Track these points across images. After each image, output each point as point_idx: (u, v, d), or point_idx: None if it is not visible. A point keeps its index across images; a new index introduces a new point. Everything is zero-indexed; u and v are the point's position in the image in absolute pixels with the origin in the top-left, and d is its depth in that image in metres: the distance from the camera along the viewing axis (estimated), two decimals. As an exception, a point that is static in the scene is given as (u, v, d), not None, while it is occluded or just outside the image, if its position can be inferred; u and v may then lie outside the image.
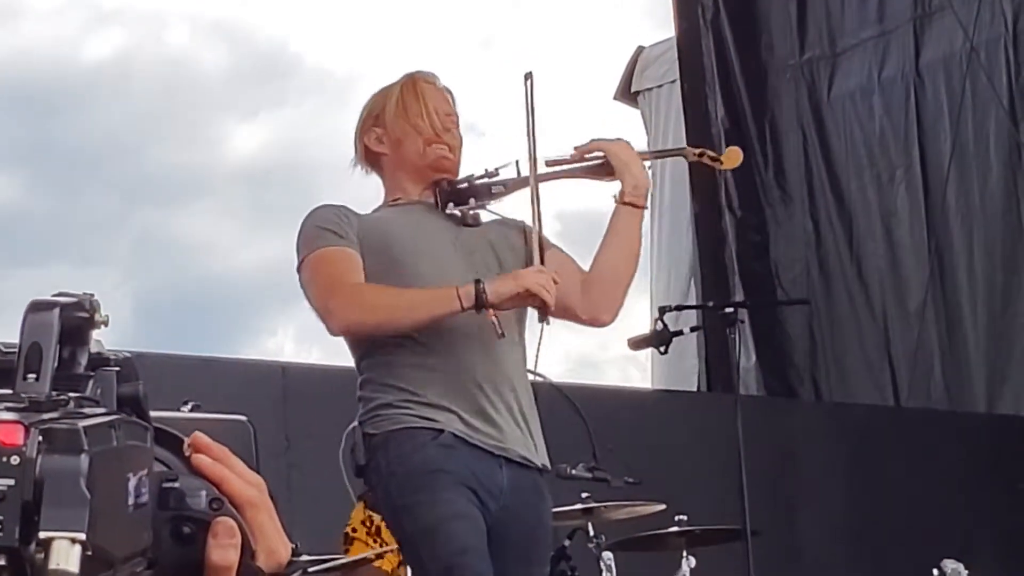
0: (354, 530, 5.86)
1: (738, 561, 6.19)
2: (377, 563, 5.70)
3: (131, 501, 1.05)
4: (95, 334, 1.13)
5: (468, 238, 4.22)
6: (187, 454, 1.16)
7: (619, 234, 4.19)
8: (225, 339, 16.42)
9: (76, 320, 1.10)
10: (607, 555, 6.02)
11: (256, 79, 16.42)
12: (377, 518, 5.82)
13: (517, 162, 4.28)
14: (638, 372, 11.78)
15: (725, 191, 11.60)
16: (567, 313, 4.18)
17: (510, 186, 4.27)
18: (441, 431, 3.99)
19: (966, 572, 6.47)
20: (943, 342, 10.71)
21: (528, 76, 4.37)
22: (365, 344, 4.11)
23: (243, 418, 1.27)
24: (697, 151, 4.56)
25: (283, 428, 7.34)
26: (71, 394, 1.06)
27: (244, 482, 1.18)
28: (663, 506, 5.99)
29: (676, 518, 6.11)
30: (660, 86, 12.66)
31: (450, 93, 4.36)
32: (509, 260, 4.19)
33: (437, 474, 3.95)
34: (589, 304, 4.23)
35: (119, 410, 1.09)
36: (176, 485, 1.12)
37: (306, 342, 15.97)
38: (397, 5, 15.91)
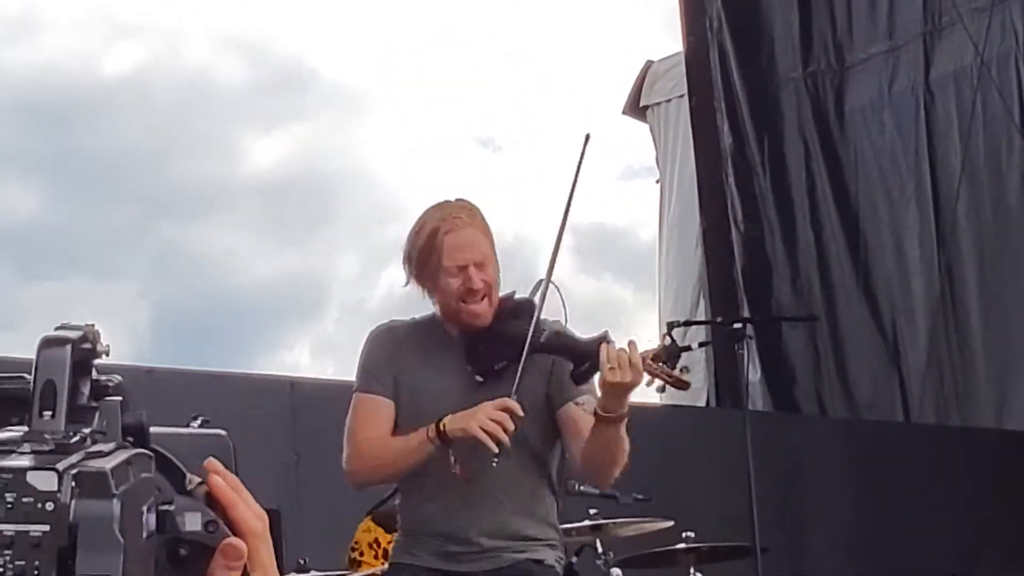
0: (361, 553, 5.84)
1: (747, 578, 6.18)
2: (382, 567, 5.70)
3: (145, 533, 1.06)
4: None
5: (484, 396, 4.32)
6: (187, 484, 1.17)
7: (599, 443, 4.26)
8: (241, 352, 16.46)
9: (82, 353, 1.11)
10: (616, 572, 6.01)
11: (273, 93, 16.45)
12: (384, 539, 5.81)
13: (542, 282, 4.41)
14: (646, 387, 11.76)
15: (731, 205, 11.61)
16: (569, 459, 4.41)
17: (532, 348, 4.32)
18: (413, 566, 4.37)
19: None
20: (953, 358, 10.69)
21: (587, 138, 4.55)
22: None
23: (223, 432, 1.28)
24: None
25: (292, 443, 7.34)
26: (84, 429, 1.07)
27: (252, 513, 1.19)
28: (671, 523, 5.98)
29: (684, 535, 6.09)
30: (669, 100, 12.68)
31: (482, 228, 4.39)
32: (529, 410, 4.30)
33: None
34: (582, 475, 4.58)
35: (124, 439, 1.10)
36: (171, 508, 1.13)
37: (321, 356, 15.99)
38: (413, 21, 15.94)
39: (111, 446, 1.07)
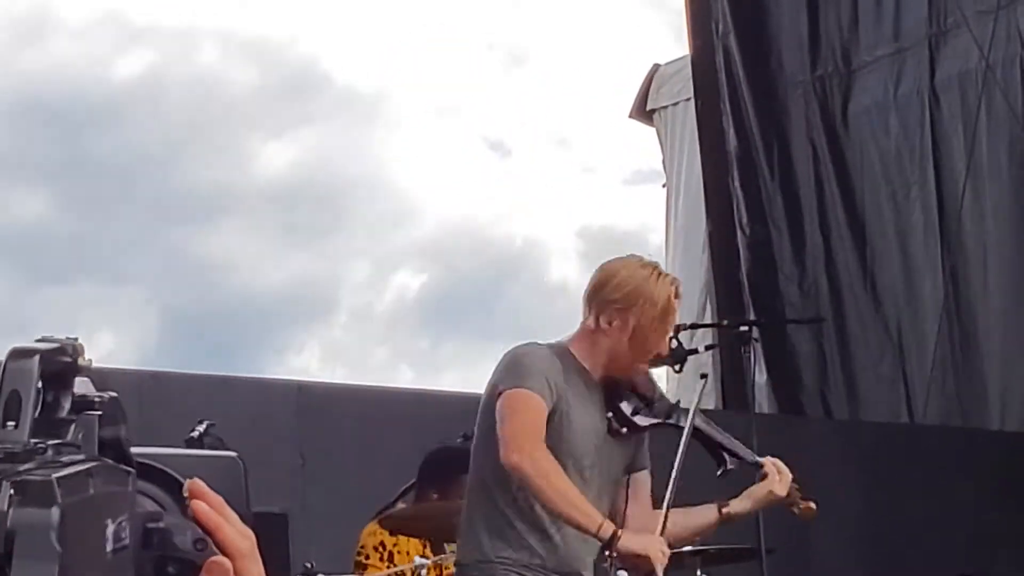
0: (367, 556, 5.85)
1: (753, 580, 6.19)
2: (393, 570, 5.71)
3: (109, 547, 1.05)
4: (85, 380, 1.13)
5: (616, 446, 4.60)
6: (185, 495, 1.17)
7: (697, 531, 4.70)
8: (251, 357, 16.47)
9: (58, 365, 1.10)
10: (622, 574, 6.02)
11: (285, 98, 16.45)
12: (390, 542, 5.82)
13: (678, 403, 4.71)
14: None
15: (737, 209, 11.62)
16: (620, 520, 4.60)
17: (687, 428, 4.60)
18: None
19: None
20: (957, 359, 10.69)
21: (704, 377, 4.95)
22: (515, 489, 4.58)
23: (234, 455, 1.28)
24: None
25: (298, 446, 7.36)
26: (51, 441, 1.06)
27: (237, 532, 1.19)
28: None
29: (691, 536, 6.10)
30: (676, 104, 12.67)
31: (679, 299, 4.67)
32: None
33: None
34: None
35: (101, 454, 1.09)
36: (161, 525, 1.13)
37: (331, 360, 15.99)
38: (423, 25, 15.95)
39: (77, 459, 1.06)
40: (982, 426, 10.46)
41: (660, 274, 4.57)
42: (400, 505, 5.92)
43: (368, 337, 16.68)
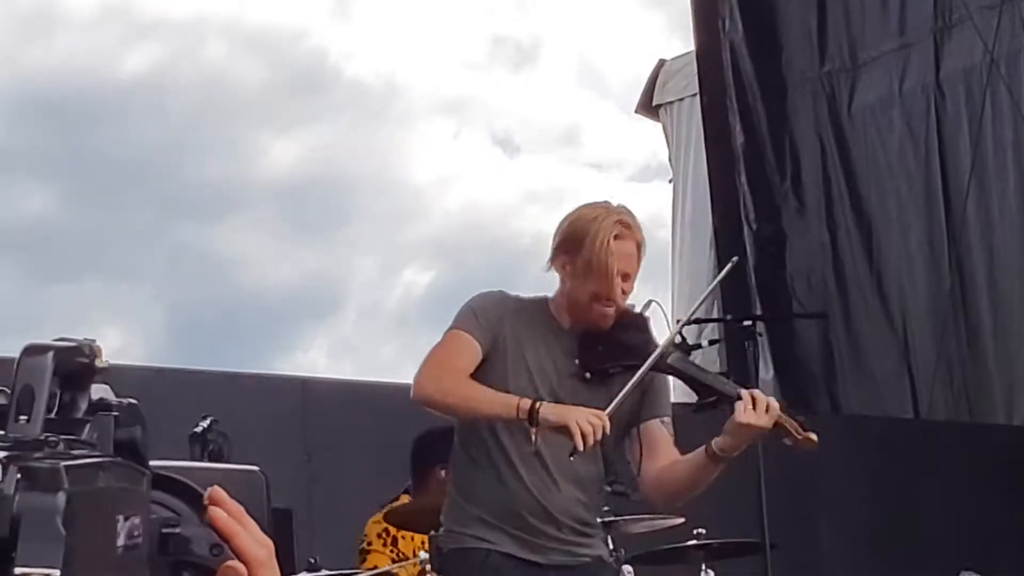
0: (370, 543, 5.87)
1: (757, 574, 6.20)
2: (396, 566, 5.72)
3: (121, 542, 1.06)
4: (105, 387, 1.14)
5: (582, 391, 4.43)
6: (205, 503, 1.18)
7: (694, 476, 4.39)
8: (258, 353, 16.47)
9: (75, 365, 1.11)
10: (627, 568, 6.03)
11: (292, 93, 16.44)
12: (393, 530, 5.84)
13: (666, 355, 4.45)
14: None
15: (743, 204, 11.62)
16: (635, 472, 4.50)
17: (646, 364, 4.39)
18: (489, 551, 4.40)
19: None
20: (963, 354, 10.70)
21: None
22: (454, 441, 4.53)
23: (255, 468, 1.29)
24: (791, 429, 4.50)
25: (303, 442, 7.37)
26: (64, 437, 1.07)
27: (255, 541, 1.20)
28: (682, 519, 5.99)
29: (695, 531, 6.11)
30: (681, 99, 12.68)
31: (641, 241, 4.49)
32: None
33: None
34: (650, 494, 4.57)
35: (116, 455, 1.10)
36: (177, 531, 1.14)
37: (338, 357, 16.00)
38: (434, 21, 15.95)
39: (89, 453, 1.07)
40: (987, 421, 10.46)
41: (608, 213, 4.40)
42: (404, 499, 5.93)
43: (376, 334, 16.69)
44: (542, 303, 4.53)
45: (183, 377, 7.30)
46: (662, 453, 4.43)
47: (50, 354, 1.09)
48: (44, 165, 15.18)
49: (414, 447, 5.97)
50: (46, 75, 14.77)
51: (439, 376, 4.33)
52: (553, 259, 4.48)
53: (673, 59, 12.90)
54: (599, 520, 4.63)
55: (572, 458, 4.20)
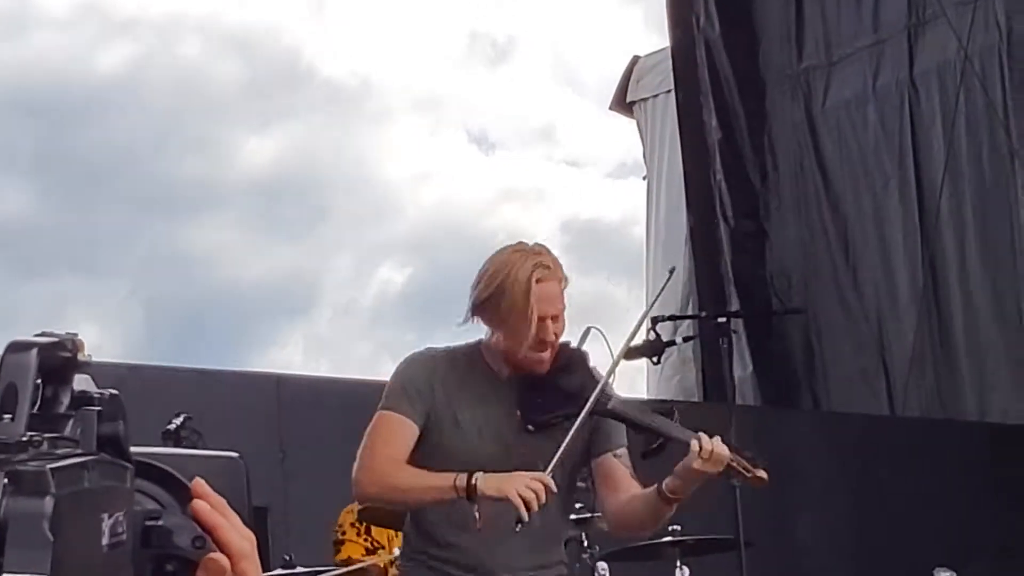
0: (344, 533, 5.86)
1: (732, 571, 6.21)
2: (369, 560, 5.71)
3: (105, 541, 1.05)
4: (86, 378, 1.13)
5: (526, 444, 4.36)
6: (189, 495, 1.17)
7: (649, 515, 4.36)
8: (234, 350, 16.45)
9: (58, 360, 1.10)
10: (601, 565, 6.04)
11: (268, 91, 16.44)
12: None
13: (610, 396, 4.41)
14: (643, 382, 11.79)
15: (719, 201, 11.63)
16: (598, 507, 4.51)
17: (583, 412, 4.32)
18: None
19: (959, 580, 6.48)
20: (936, 350, 10.72)
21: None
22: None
23: (235, 455, 1.28)
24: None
25: (278, 439, 7.35)
26: (48, 434, 1.06)
27: (238, 533, 1.20)
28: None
29: (670, 528, 6.10)
30: (656, 96, 12.68)
31: (564, 280, 4.40)
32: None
33: None
34: (613, 528, 4.57)
35: (99, 450, 1.09)
36: (160, 523, 1.13)
37: (314, 354, 16.00)
38: (409, 18, 15.94)
39: (73, 452, 1.06)
40: (961, 417, 10.49)
41: (524, 257, 4.29)
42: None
43: (351, 331, 16.69)
44: (475, 353, 4.42)
45: (158, 374, 7.28)
46: (621, 486, 4.38)
47: (33, 351, 1.08)
48: (19, 163, 15.15)
49: None
50: (22, 72, 14.73)
51: (374, 472, 4.26)
52: (474, 315, 4.37)
53: (647, 56, 12.90)
54: (567, 532, 4.61)
55: (519, 527, 4.12)
